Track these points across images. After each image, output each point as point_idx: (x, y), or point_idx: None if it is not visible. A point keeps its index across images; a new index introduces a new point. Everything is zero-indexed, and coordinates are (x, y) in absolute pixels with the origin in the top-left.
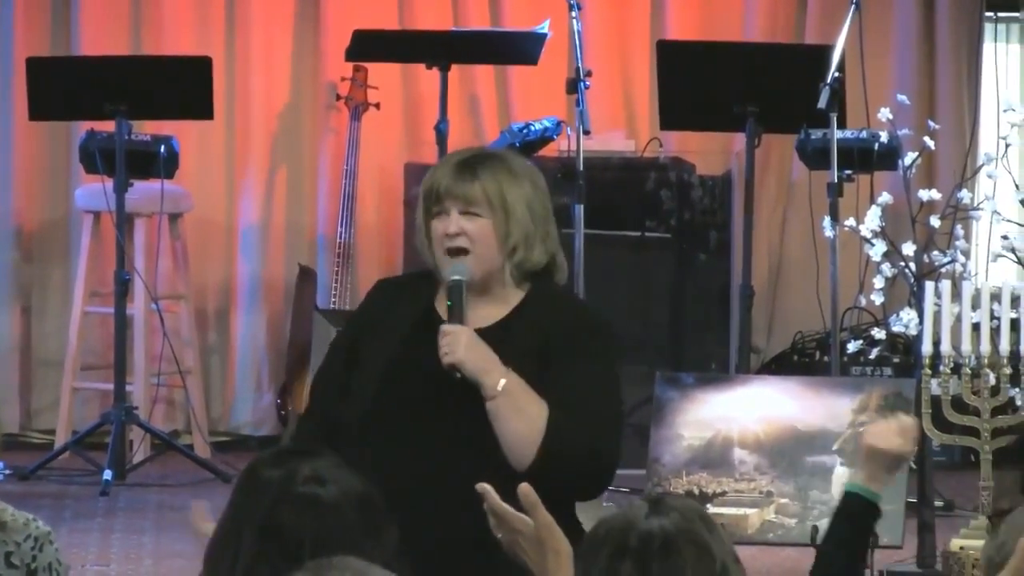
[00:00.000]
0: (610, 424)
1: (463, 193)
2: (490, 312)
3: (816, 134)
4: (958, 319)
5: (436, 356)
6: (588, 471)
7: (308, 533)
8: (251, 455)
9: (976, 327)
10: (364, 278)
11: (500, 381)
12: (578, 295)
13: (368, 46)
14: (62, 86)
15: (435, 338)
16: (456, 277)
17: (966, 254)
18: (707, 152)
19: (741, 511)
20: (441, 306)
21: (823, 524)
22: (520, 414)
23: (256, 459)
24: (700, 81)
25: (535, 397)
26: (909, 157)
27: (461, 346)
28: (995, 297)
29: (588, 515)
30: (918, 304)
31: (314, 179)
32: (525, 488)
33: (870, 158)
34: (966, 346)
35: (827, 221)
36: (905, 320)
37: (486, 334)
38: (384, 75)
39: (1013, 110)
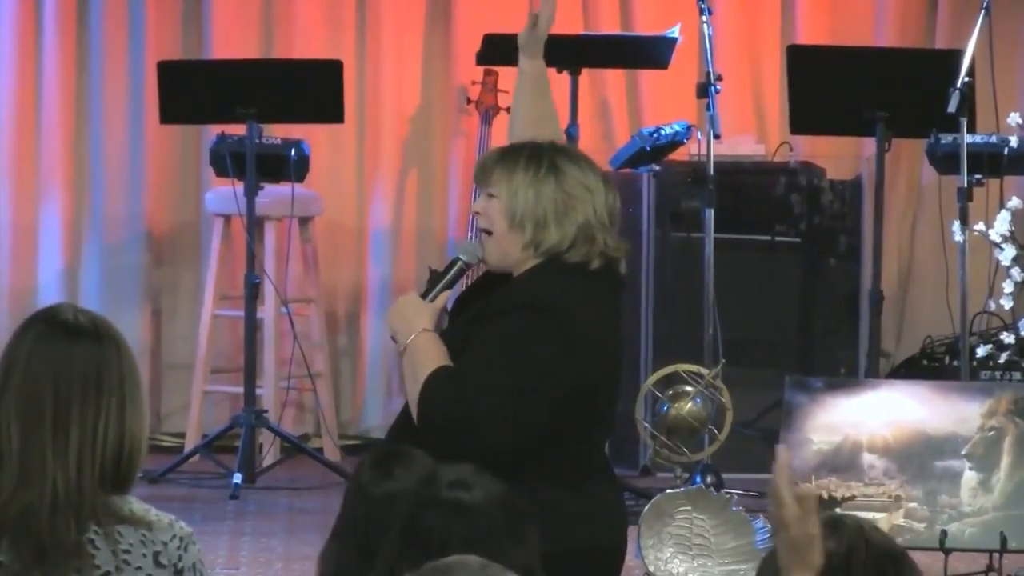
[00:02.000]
0: (481, 391)
1: (483, 175)
2: None
3: (946, 138)
4: None
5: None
6: (448, 434)
7: (454, 537)
8: None
9: None
10: None
11: (406, 342)
12: (559, 275)
13: (498, 50)
14: (193, 90)
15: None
16: (461, 256)
17: None
18: (837, 156)
19: (870, 515)
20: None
21: (952, 529)
22: (413, 374)
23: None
24: (830, 85)
25: (438, 360)
26: None
27: (392, 312)
28: None
29: (718, 520)
30: None
31: (445, 183)
32: (808, 491)
33: (1000, 163)
34: None
35: (956, 226)
36: None
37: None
38: (514, 79)
39: None
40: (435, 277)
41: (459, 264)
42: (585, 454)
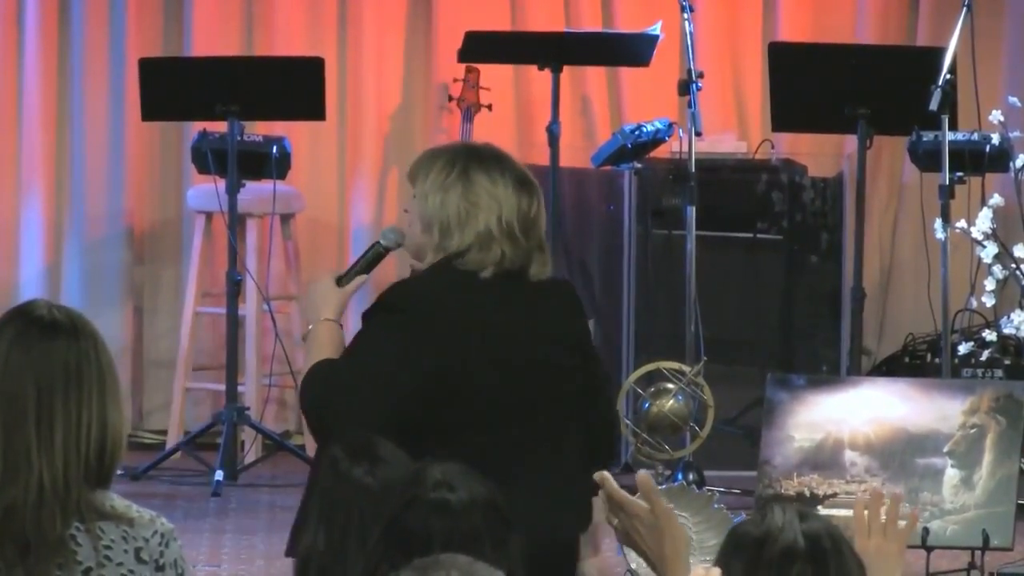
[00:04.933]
0: (336, 388)
1: (410, 176)
2: None
3: (927, 136)
4: None
5: None
6: (316, 425)
7: (437, 537)
8: None
9: None
10: None
11: (307, 329)
12: (433, 276)
13: (480, 47)
14: (174, 87)
15: None
16: (380, 240)
17: None
18: (818, 154)
19: (852, 513)
20: None
21: (934, 526)
22: (304, 365)
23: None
24: (812, 83)
25: (326, 351)
26: (1020, 159)
27: (304, 297)
28: None
29: (700, 518)
30: None
31: None
32: (643, 476)
33: (981, 160)
34: None
35: (938, 223)
36: (1016, 322)
37: None
38: (496, 76)
39: None
40: (354, 263)
41: (377, 248)
42: (468, 453)
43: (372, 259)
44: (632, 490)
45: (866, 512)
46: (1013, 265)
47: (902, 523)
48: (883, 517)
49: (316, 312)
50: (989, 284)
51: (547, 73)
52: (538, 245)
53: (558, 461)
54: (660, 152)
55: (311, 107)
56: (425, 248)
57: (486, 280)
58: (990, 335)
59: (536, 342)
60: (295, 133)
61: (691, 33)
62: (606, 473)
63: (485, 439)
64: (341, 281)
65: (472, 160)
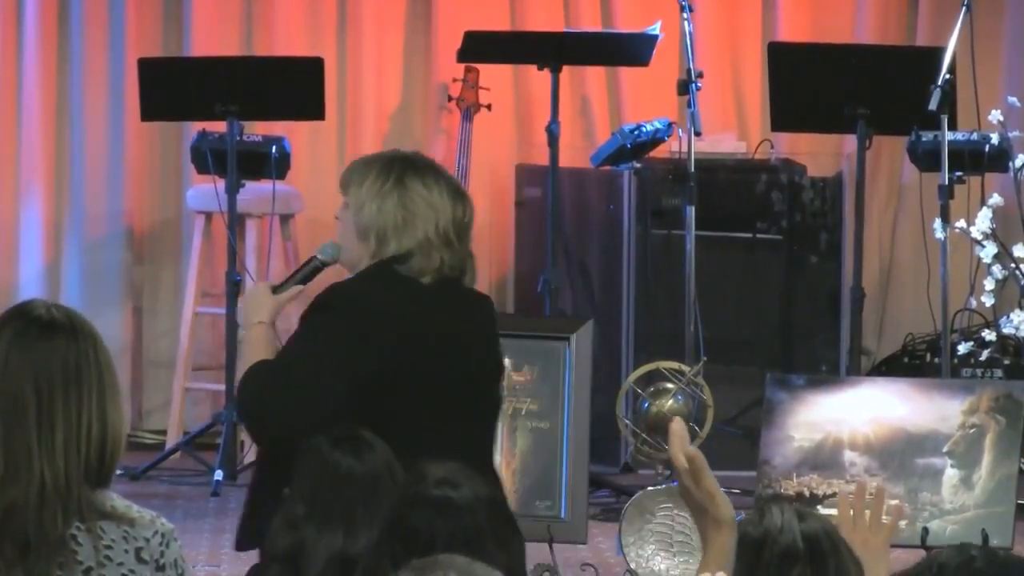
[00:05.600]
0: (271, 388)
1: (342, 184)
2: None
3: (927, 136)
4: None
5: None
6: (253, 424)
7: (440, 534)
8: None
9: None
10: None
11: (243, 332)
12: (368, 278)
13: (480, 47)
14: (174, 87)
15: None
16: (318, 255)
17: None
18: (818, 154)
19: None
20: None
21: (933, 526)
22: (240, 367)
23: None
24: (811, 83)
25: (261, 354)
26: (1020, 159)
27: (241, 300)
28: None
29: None
30: None
31: None
32: (693, 452)
33: (981, 160)
34: None
35: (938, 223)
36: (1016, 322)
37: None
38: (496, 76)
39: None
40: (291, 274)
41: (314, 262)
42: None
43: (309, 272)
44: (631, 491)
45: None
46: (1012, 265)
47: (887, 518)
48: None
49: (250, 317)
50: (988, 284)
51: (546, 73)
52: (469, 252)
53: (479, 464)
54: (659, 152)
55: (311, 107)
56: (360, 257)
57: (427, 286)
58: (989, 335)
59: (471, 350)
60: (295, 133)
61: (690, 33)
62: (679, 423)
63: (417, 438)
64: (277, 290)
65: (407, 168)
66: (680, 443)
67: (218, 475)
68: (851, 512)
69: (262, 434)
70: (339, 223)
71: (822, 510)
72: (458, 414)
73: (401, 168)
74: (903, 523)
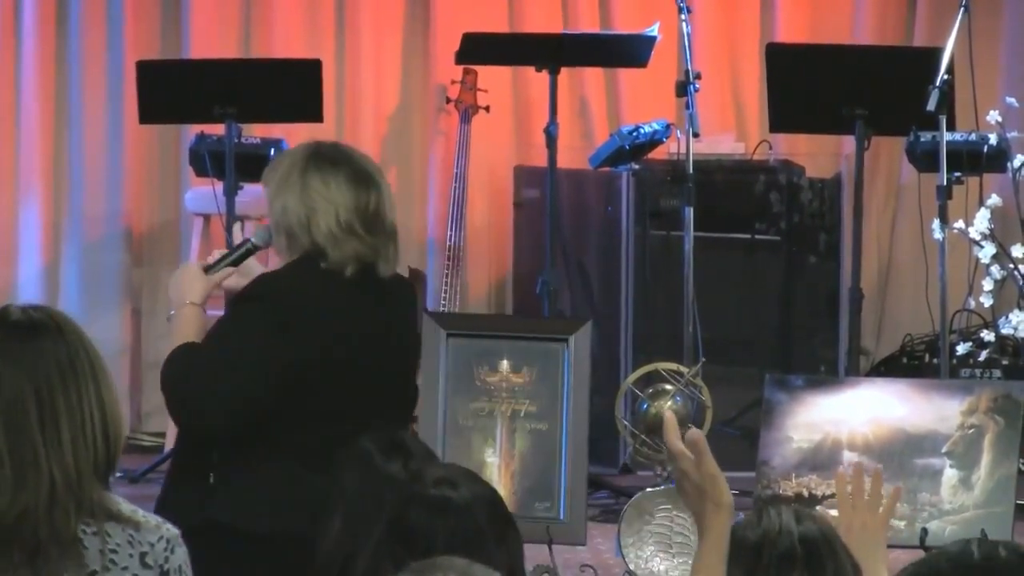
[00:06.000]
0: (193, 374)
1: (262, 179)
2: None
3: (925, 136)
4: None
5: None
6: (174, 407)
7: (439, 535)
8: None
9: None
10: (474, 281)
11: (171, 310)
12: (291, 270)
13: (478, 49)
14: (172, 89)
15: None
16: (251, 239)
17: None
18: (816, 155)
19: None
20: None
21: (933, 526)
22: (167, 345)
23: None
24: (809, 84)
25: (189, 335)
26: (1018, 159)
27: (172, 278)
28: None
29: None
30: None
31: (424, 182)
32: (695, 435)
33: (979, 160)
34: None
35: (936, 223)
36: (1014, 322)
37: None
38: (494, 78)
39: None
40: (224, 255)
41: (248, 245)
42: (303, 444)
43: (242, 255)
44: (630, 492)
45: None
46: (1011, 265)
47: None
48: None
49: (181, 296)
50: (987, 284)
51: (545, 74)
52: (386, 239)
53: None
54: (658, 153)
55: (309, 109)
56: (281, 248)
57: (348, 279)
58: (988, 335)
59: (388, 341)
60: (293, 135)
61: (689, 34)
62: (670, 414)
63: (328, 431)
64: (209, 271)
65: (309, 162)
66: (674, 431)
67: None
68: (849, 492)
69: (180, 417)
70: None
71: (821, 510)
72: (376, 405)
73: (304, 162)
74: (902, 524)
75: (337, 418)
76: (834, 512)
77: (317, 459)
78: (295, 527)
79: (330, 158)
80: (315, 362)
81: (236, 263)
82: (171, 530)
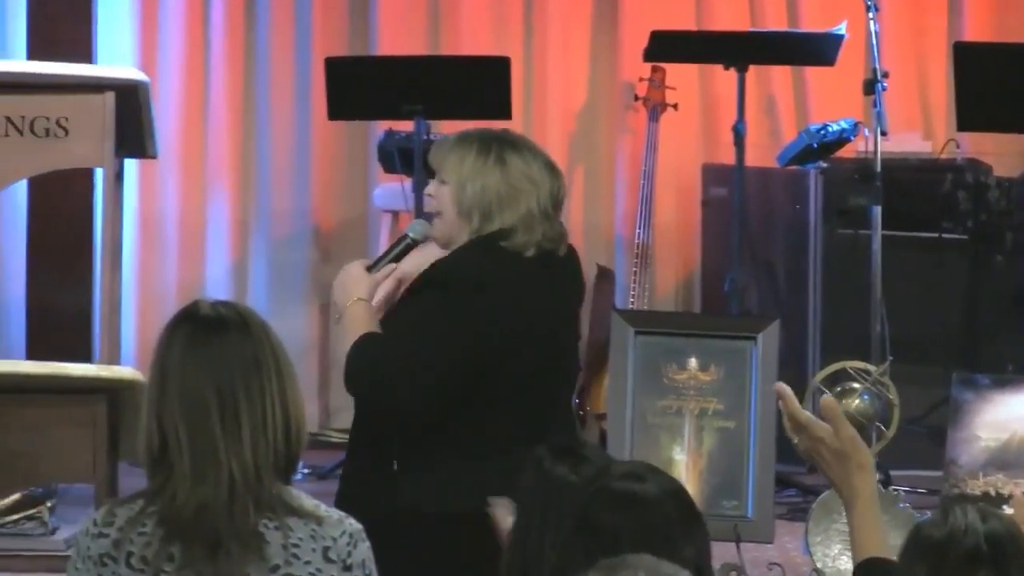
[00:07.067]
0: (389, 359)
1: (436, 161)
2: None
3: None
4: None
5: None
6: (366, 395)
7: (627, 528)
8: None
9: None
10: (661, 279)
11: (342, 312)
12: (478, 253)
13: (666, 47)
14: (361, 86)
15: None
16: (409, 233)
17: None
18: (1004, 153)
19: None
20: None
21: None
22: (343, 340)
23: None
24: (997, 82)
25: (366, 327)
26: None
27: (335, 281)
28: None
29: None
30: None
31: (611, 179)
32: (828, 400)
33: None
34: None
35: None
36: None
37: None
38: (682, 76)
39: None
40: (383, 253)
41: (407, 240)
42: (490, 426)
43: (402, 251)
44: (818, 490)
45: None
46: None
47: None
48: None
49: (347, 294)
50: None
51: (732, 72)
52: (561, 226)
53: (558, 426)
54: (846, 152)
55: (497, 106)
56: (459, 233)
57: (530, 260)
58: None
59: (564, 320)
60: None
61: (876, 33)
62: (783, 385)
63: (509, 409)
64: (371, 269)
65: (505, 145)
66: (793, 403)
67: None
68: None
69: (377, 403)
70: (432, 200)
71: (1008, 510)
72: (553, 380)
73: (499, 145)
74: None
75: (518, 396)
76: (1010, 510)
77: (498, 438)
78: (479, 507)
79: (523, 143)
80: (505, 343)
81: (397, 259)
82: (354, 524)
